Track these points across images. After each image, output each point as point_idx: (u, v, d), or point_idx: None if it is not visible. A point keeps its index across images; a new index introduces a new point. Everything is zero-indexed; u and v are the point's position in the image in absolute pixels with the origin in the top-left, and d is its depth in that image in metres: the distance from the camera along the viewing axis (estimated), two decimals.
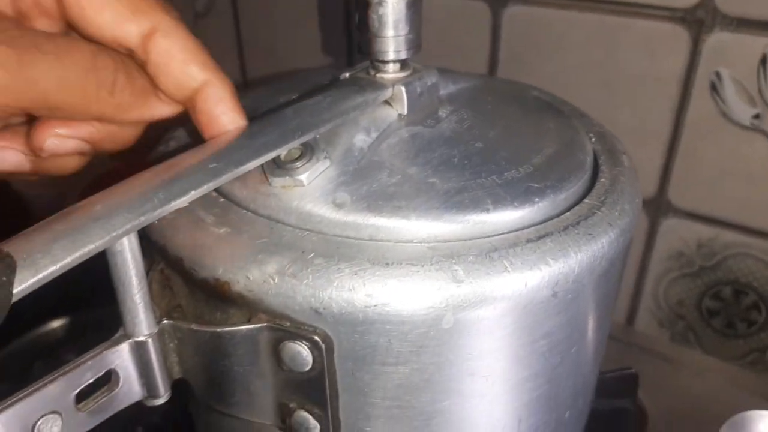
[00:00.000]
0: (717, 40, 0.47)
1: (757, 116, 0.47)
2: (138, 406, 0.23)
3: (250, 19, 0.69)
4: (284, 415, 0.24)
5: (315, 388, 0.23)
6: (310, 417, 0.24)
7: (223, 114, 0.24)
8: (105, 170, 0.73)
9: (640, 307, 0.59)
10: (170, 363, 0.23)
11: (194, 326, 0.22)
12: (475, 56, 0.57)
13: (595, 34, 0.51)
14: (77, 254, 0.18)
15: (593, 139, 0.29)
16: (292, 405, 0.24)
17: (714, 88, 0.48)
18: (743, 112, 0.48)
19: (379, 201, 0.23)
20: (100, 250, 0.18)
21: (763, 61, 0.45)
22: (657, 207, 0.54)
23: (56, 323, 0.47)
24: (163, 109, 0.25)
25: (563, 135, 0.27)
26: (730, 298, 0.54)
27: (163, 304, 0.25)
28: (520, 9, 0.54)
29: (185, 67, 0.24)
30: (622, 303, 0.59)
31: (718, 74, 0.48)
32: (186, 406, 0.30)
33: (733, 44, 0.46)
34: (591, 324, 0.25)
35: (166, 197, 0.20)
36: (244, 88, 0.72)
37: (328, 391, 0.23)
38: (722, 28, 0.47)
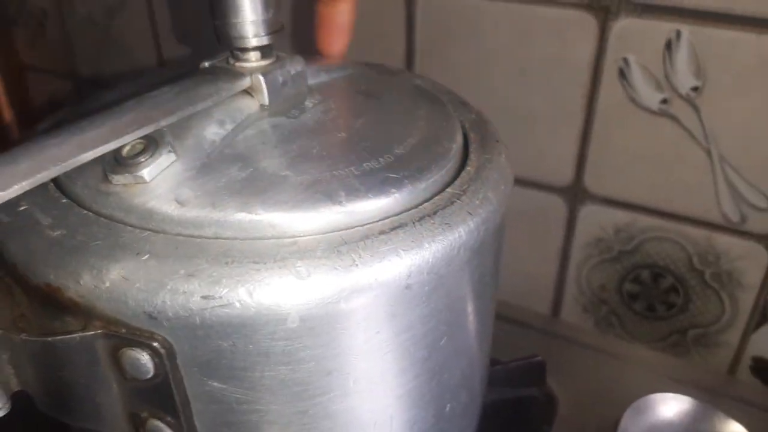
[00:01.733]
0: (623, 26, 0.47)
1: (664, 101, 0.48)
2: None
3: (164, 9, 0.66)
4: (137, 425, 0.23)
5: (162, 396, 0.22)
6: (164, 426, 0.23)
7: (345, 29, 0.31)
8: None
9: (564, 295, 0.59)
10: (6, 375, 0.22)
11: (24, 336, 0.21)
12: (392, 48, 0.56)
13: (507, 22, 0.51)
14: None
15: (467, 128, 0.28)
16: (143, 414, 0.23)
17: (622, 74, 0.49)
18: (651, 97, 0.48)
19: (226, 196, 0.22)
20: None
21: (668, 45, 0.45)
22: (574, 194, 0.55)
23: None
24: None
25: (432, 124, 0.27)
26: (649, 281, 0.55)
27: (6, 313, 0.23)
28: None
29: None
30: (546, 291, 0.60)
31: (625, 60, 0.48)
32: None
33: (638, 30, 0.46)
34: (461, 315, 0.25)
35: None
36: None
37: (177, 399, 0.22)
38: (627, 14, 0.47)
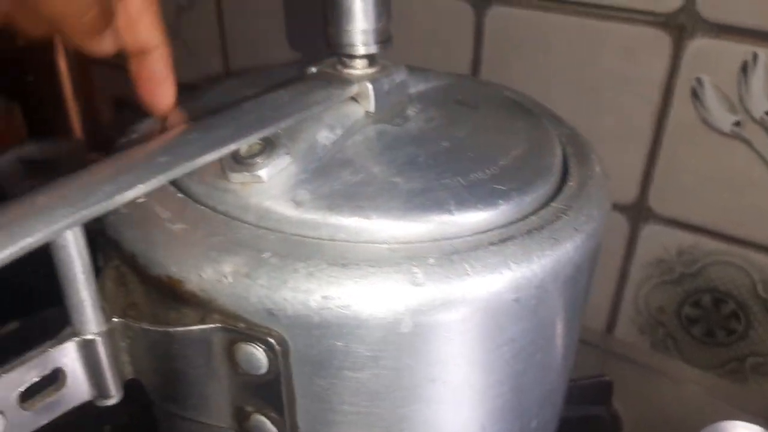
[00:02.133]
0: (698, 45, 0.47)
1: (737, 123, 0.47)
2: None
3: (233, 12, 0.68)
4: (241, 418, 0.23)
5: (271, 392, 0.22)
6: (267, 421, 0.23)
7: (163, 76, 0.28)
8: (80, 164, 0.72)
9: (620, 314, 0.59)
10: (122, 363, 0.23)
11: (145, 325, 0.22)
12: (458, 57, 0.56)
13: (578, 37, 0.51)
14: (14, 248, 0.17)
15: (563, 142, 0.28)
16: (248, 408, 0.23)
17: (695, 94, 0.48)
18: (724, 118, 0.47)
19: (340, 200, 0.23)
20: (40, 244, 0.18)
21: (743, 68, 0.45)
22: (637, 213, 0.54)
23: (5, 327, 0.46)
24: (108, 46, 0.27)
25: (532, 137, 0.27)
26: (710, 306, 0.54)
27: (118, 302, 0.24)
28: (503, 10, 0.53)
29: (153, 28, 0.27)
30: (601, 309, 0.59)
31: (699, 80, 0.47)
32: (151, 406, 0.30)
33: (714, 50, 0.46)
34: (557, 330, 0.25)
35: (112, 190, 0.19)
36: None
37: (285, 396, 0.22)
38: (704, 34, 0.46)
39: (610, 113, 0.51)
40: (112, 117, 0.83)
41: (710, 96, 0.47)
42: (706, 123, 0.48)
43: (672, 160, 0.50)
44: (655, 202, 0.52)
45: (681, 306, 0.55)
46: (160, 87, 0.29)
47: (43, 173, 0.76)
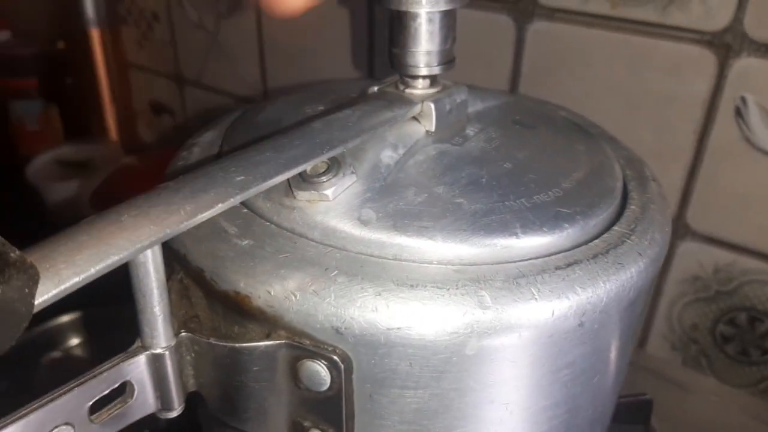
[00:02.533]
0: (744, 65, 0.46)
1: None
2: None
3: (273, 23, 0.68)
4: None
5: (331, 408, 0.23)
6: None
7: None
8: (118, 167, 0.73)
9: (652, 329, 0.58)
10: (186, 376, 0.23)
11: (212, 340, 0.22)
12: (498, 71, 0.56)
13: (621, 54, 0.51)
14: (101, 265, 0.17)
15: (622, 164, 0.28)
16: (306, 423, 0.23)
17: (739, 113, 0.48)
18: (767, 138, 0.47)
19: (405, 220, 0.23)
20: (125, 261, 0.18)
21: None
22: (675, 230, 0.54)
23: (65, 318, 0.47)
24: None
25: (593, 158, 0.27)
26: (745, 324, 0.54)
27: (180, 315, 0.24)
28: (545, 25, 0.53)
29: None
30: None
31: (743, 99, 0.47)
32: (194, 415, 0.30)
33: (760, 70, 0.46)
34: (614, 354, 0.25)
35: (193, 210, 0.19)
36: (263, 93, 0.72)
37: (344, 412, 0.23)
38: (750, 53, 0.46)
39: (651, 130, 0.51)
40: (147, 121, 0.85)
41: (754, 115, 0.47)
42: (749, 142, 0.47)
43: (712, 178, 0.50)
44: (693, 219, 0.52)
45: (715, 324, 0.54)
46: None
47: (78, 174, 0.77)
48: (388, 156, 0.25)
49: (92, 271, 0.17)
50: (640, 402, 0.39)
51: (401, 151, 0.25)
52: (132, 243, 0.18)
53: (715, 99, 0.48)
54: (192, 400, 0.24)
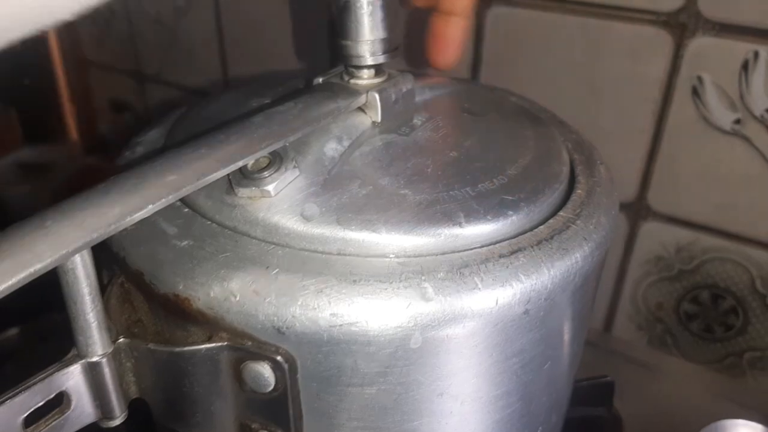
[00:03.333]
0: (699, 44, 0.47)
1: (737, 121, 0.47)
2: None
3: (231, 17, 0.67)
4: None
5: (278, 409, 0.22)
6: None
7: (455, 41, 0.32)
8: (77, 168, 0.71)
9: (618, 311, 0.59)
10: (126, 383, 0.22)
11: (152, 346, 0.22)
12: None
13: (578, 37, 0.50)
14: (23, 275, 0.17)
15: (570, 148, 0.28)
16: (254, 426, 0.23)
17: (696, 93, 0.48)
18: (724, 117, 0.47)
19: (349, 213, 0.22)
20: (49, 269, 0.17)
21: (744, 66, 0.45)
22: (636, 211, 0.54)
23: (12, 331, 0.46)
24: None
25: (540, 144, 0.27)
26: (708, 302, 0.54)
27: (122, 319, 0.24)
28: (503, 10, 0.53)
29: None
30: (599, 307, 0.59)
31: (699, 79, 0.47)
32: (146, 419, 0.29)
33: (715, 49, 0.46)
34: (565, 339, 0.25)
35: (122, 212, 0.19)
36: (224, 86, 0.71)
37: (291, 413, 0.22)
38: (705, 32, 0.46)
39: (610, 112, 0.51)
40: (108, 120, 0.83)
41: (711, 94, 0.47)
42: (707, 121, 0.48)
43: (672, 158, 0.50)
44: (654, 199, 0.52)
45: (679, 302, 0.55)
46: (448, 48, 0.32)
47: (39, 177, 0.75)
48: (332, 148, 0.24)
49: (12, 281, 0.16)
50: (602, 384, 0.39)
51: (346, 143, 0.25)
52: (56, 249, 0.17)
53: (672, 79, 0.48)
54: (141, 405, 0.24)
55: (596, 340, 0.58)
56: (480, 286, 0.21)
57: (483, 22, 0.54)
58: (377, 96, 0.26)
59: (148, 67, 0.77)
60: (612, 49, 0.49)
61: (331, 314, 0.20)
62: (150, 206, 0.19)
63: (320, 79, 0.27)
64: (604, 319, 0.59)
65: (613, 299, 0.58)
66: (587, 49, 0.50)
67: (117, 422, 0.22)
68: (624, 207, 0.53)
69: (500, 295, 0.21)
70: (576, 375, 0.30)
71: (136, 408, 0.24)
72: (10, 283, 0.16)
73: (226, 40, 0.69)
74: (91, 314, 0.20)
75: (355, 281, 0.21)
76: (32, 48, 0.81)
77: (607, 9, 0.48)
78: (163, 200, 0.19)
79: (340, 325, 0.20)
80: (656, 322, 0.57)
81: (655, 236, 0.53)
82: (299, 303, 0.20)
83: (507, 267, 0.21)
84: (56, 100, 0.82)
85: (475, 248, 0.22)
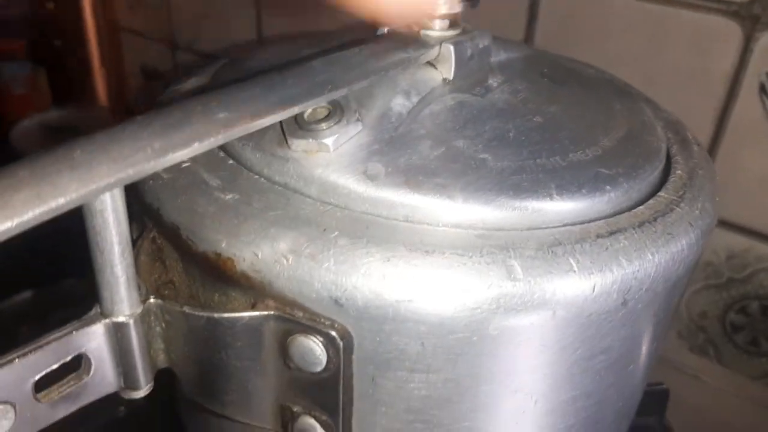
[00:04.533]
0: None
1: None
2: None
3: None
4: (286, 420, 0.20)
5: (326, 392, 0.19)
6: (317, 425, 0.20)
7: None
8: None
9: None
10: (155, 350, 0.20)
11: (187, 309, 0.19)
12: (510, 35, 0.53)
13: (639, 24, 0.47)
14: (41, 209, 0.14)
15: (664, 127, 0.25)
16: (296, 409, 0.20)
17: (764, 91, 0.45)
18: None
19: (420, 176, 0.19)
20: (73, 206, 0.14)
21: None
22: None
23: (25, 294, 0.42)
24: None
25: (632, 117, 0.23)
26: (758, 313, 0.51)
27: (151, 279, 0.21)
28: None
29: None
30: None
31: None
32: (166, 395, 0.26)
33: None
34: (653, 338, 0.22)
35: (163, 147, 0.16)
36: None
37: (341, 397, 0.19)
38: None
39: (668, 106, 0.48)
40: (138, 86, 0.80)
41: None
42: None
43: (731, 159, 0.47)
44: None
45: (726, 312, 0.52)
46: None
47: (66, 140, 0.73)
48: (399, 104, 0.21)
49: (29, 215, 0.14)
50: (657, 392, 0.36)
51: (415, 99, 0.22)
52: (83, 184, 0.14)
53: (738, 74, 0.45)
54: (163, 378, 0.21)
55: None
56: (575, 268, 0.18)
57: (538, 2, 0.51)
58: (452, 48, 0.22)
59: (181, 36, 0.75)
60: (675, 38, 0.46)
61: (399, 287, 0.17)
62: (196, 144, 0.16)
63: (386, 29, 0.24)
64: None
65: None
66: (648, 37, 0.47)
67: (141, 394, 0.19)
68: None
69: (598, 282, 0.18)
70: None
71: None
72: (26, 218, 0.14)
73: (262, 9, 0.66)
74: (119, 267, 0.17)
75: (428, 252, 0.18)
76: (65, 9, 0.79)
77: None
78: (212, 139, 0.16)
79: (409, 301, 0.17)
80: (699, 331, 0.53)
81: None
82: (362, 272, 0.17)
83: (606, 249, 0.18)
84: (87, 63, 0.80)
85: (568, 225, 0.19)
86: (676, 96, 0.47)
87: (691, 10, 0.45)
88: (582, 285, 0.18)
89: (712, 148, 0.48)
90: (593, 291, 0.18)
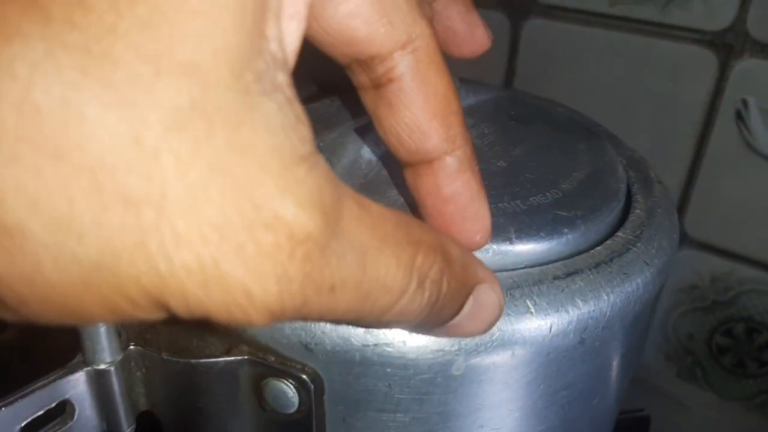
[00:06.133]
0: (746, 66, 0.44)
1: None
2: None
3: None
4: None
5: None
6: None
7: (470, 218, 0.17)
8: None
9: (647, 340, 0.56)
10: (136, 394, 0.20)
11: (165, 355, 0.19)
12: (492, 69, 0.54)
13: (619, 54, 0.49)
14: None
15: (625, 165, 0.26)
16: None
17: (740, 116, 0.46)
18: None
19: None
20: None
21: None
22: None
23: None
24: None
25: (594, 158, 0.24)
26: (743, 335, 0.52)
27: (135, 323, 0.22)
28: (541, 23, 0.51)
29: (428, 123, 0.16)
30: None
31: (744, 102, 0.45)
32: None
33: (762, 71, 0.44)
34: (616, 373, 0.23)
35: None
36: None
37: None
38: (752, 54, 0.44)
39: (648, 133, 0.49)
40: None
41: (755, 118, 0.45)
42: (750, 146, 0.46)
43: (711, 184, 0.48)
44: (690, 226, 0.50)
45: (712, 334, 0.53)
46: None
47: None
48: (369, 152, 0.22)
49: None
50: (639, 419, 0.36)
51: (384, 147, 0.23)
52: None
53: (715, 101, 0.46)
54: (145, 420, 0.22)
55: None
56: (533, 310, 0.19)
57: (519, 34, 0.52)
58: None
59: None
60: (653, 68, 0.47)
61: (364, 332, 0.18)
62: None
63: None
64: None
65: None
66: (627, 66, 0.48)
67: None
68: None
69: (555, 322, 0.19)
70: None
71: (142, 420, 0.22)
72: None
73: None
74: None
75: None
76: None
77: (650, 25, 0.47)
78: None
79: (375, 345, 0.18)
80: (686, 354, 0.54)
81: (689, 264, 0.51)
82: None
83: (562, 290, 0.19)
84: None
85: (526, 267, 0.20)
86: (656, 123, 0.49)
87: (668, 40, 0.47)
88: (539, 326, 0.19)
89: (692, 173, 0.49)
90: (550, 331, 0.19)
